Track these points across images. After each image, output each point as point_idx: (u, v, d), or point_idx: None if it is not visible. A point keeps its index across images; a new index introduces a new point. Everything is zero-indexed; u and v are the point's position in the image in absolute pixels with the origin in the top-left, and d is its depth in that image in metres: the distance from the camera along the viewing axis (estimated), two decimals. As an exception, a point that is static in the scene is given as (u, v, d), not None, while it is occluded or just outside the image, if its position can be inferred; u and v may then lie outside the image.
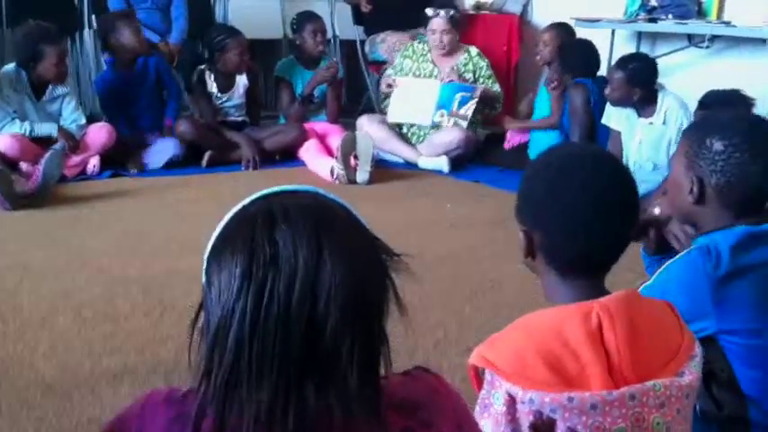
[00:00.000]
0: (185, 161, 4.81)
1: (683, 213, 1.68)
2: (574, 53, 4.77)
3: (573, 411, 1.12)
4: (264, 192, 0.97)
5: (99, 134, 4.62)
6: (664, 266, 1.58)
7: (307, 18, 5.27)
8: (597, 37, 5.02)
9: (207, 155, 4.84)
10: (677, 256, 1.58)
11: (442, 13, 5.07)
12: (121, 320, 2.66)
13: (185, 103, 5.36)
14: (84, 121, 4.66)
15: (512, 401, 1.15)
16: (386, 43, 5.89)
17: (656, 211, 1.80)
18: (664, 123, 4.15)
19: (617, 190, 1.27)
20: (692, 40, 5.23)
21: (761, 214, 1.60)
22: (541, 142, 4.86)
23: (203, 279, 0.93)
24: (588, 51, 4.78)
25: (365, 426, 0.89)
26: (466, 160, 5.02)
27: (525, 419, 1.14)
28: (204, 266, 0.93)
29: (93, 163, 4.58)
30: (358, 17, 6.20)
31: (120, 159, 4.70)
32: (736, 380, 1.54)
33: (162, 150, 4.78)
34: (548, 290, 1.31)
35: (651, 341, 1.21)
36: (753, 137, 1.58)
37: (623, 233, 1.28)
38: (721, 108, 3.48)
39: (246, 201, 0.96)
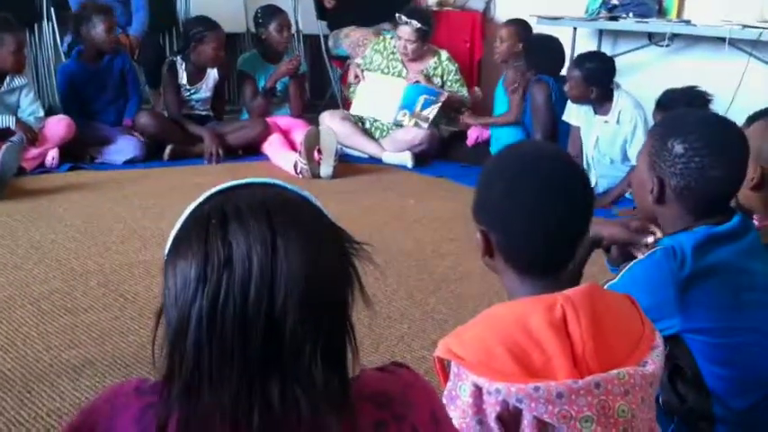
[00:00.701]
0: (147, 154, 4.76)
1: (645, 211, 1.68)
2: (539, 50, 4.80)
3: (539, 401, 1.12)
4: (220, 187, 0.95)
5: (58, 127, 4.55)
6: (628, 266, 1.58)
7: (272, 13, 5.24)
8: (559, 35, 5.05)
9: (168, 148, 4.80)
10: (642, 257, 1.58)
11: (413, 23, 5.03)
12: (81, 313, 2.62)
13: (146, 97, 5.29)
14: (42, 113, 4.59)
15: (478, 393, 1.15)
16: (349, 39, 5.87)
17: (602, 232, 1.71)
18: (618, 122, 4.23)
19: (572, 189, 1.27)
20: (652, 38, 5.30)
21: (722, 213, 1.61)
22: (502, 139, 4.89)
23: (163, 280, 0.92)
24: (554, 48, 4.82)
25: (334, 420, 0.88)
26: (429, 156, 5.04)
27: (491, 411, 1.15)
28: (163, 267, 0.92)
29: (52, 155, 4.51)
30: (321, 12, 6.18)
31: (78, 153, 4.64)
32: (701, 376, 1.55)
33: (122, 150, 4.72)
34: (508, 288, 1.31)
35: (613, 332, 1.21)
36: (714, 141, 1.57)
37: (581, 231, 1.28)
38: (679, 106, 3.53)
39: (202, 198, 0.94)
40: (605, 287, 1.48)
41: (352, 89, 5.30)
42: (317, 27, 6.23)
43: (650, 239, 1.62)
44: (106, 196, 4.04)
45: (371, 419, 0.94)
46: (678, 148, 1.56)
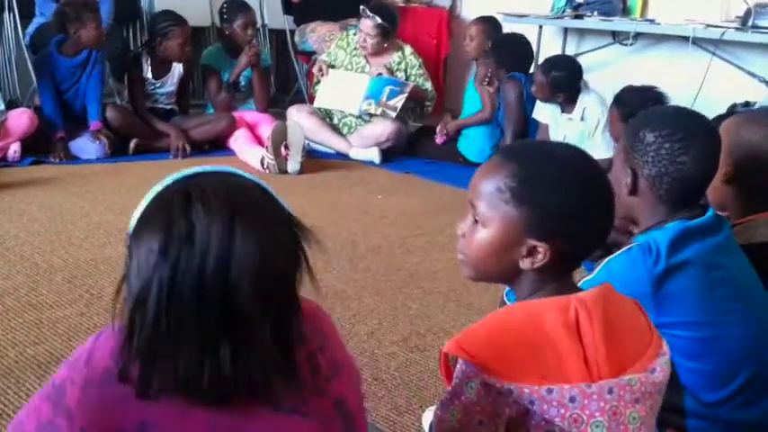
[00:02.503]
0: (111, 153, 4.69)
1: (623, 208, 1.68)
2: (508, 48, 4.83)
3: (552, 403, 1.11)
4: (184, 172, 1.03)
5: (20, 120, 4.46)
6: (604, 262, 1.59)
7: (237, 9, 5.16)
8: (524, 32, 5.09)
9: (133, 142, 4.74)
10: (618, 252, 1.59)
11: (376, 18, 5.01)
12: (46, 309, 2.58)
13: (110, 90, 5.22)
14: (3, 106, 4.50)
15: (484, 392, 1.13)
16: (316, 33, 5.85)
17: None
18: (582, 119, 4.30)
19: (608, 185, 1.26)
20: (616, 36, 5.36)
21: (694, 208, 1.63)
22: (471, 136, 4.94)
23: (126, 254, 1.00)
24: (522, 46, 4.86)
25: (280, 383, 0.99)
26: (397, 152, 5.04)
27: (498, 411, 1.13)
28: (128, 241, 1.00)
29: (14, 149, 4.42)
30: (287, 7, 6.14)
31: (42, 147, 4.56)
32: (674, 370, 1.57)
33: (86, 149, 4.64)
34: (524, 290, 1.27)
35: (624, 336, 1.21)
36: (683, 128, 1.60)
37: (611, 227, 1.27)
38: (635, 103, 3.56)
39: (167, 180, 1.02)
40: (580, 284, 1.48)
41: (316, 81, 5.28)
42: (283, 22, 6.20)
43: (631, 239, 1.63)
44: (70, 191, 3.98)
45: (303, 354, 1.03)
46: (649, 137, 1.60)
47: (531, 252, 1.21)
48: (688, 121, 1.64)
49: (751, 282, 1.66)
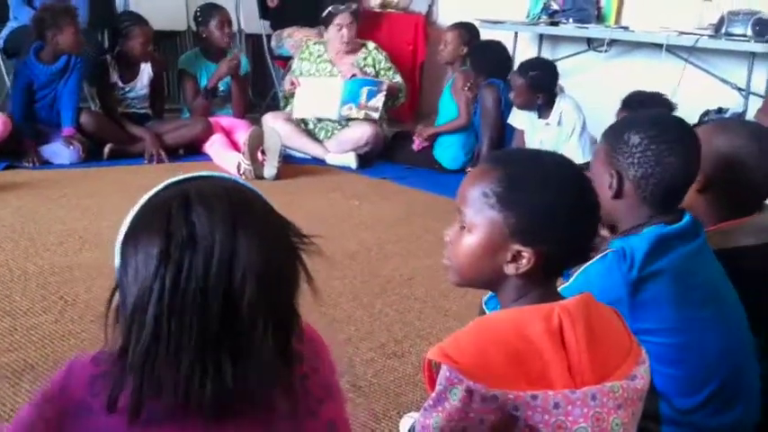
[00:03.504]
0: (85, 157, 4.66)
1: (604, 212, 1.70)
2: (486, 54, 4.86)
3: (536, 410, 1.12)
4: (177, 178, 1.00)
5: (-7, 125, 4.42)
6: (581, 269, 1.59)
7: (211, 10, 5.19)
8: (500, 38, 5.12)
9: (107, 147, 4.71)
10: (594, 259, 1.59)
11: (351, 5, 5.09)
12: (20, 316, 2.55)
13: (84, 95, 5.18)
14: (-25, 110, 4.46)
15: (468, 399, 1.13)
16: (293, 39, 5.85)
17: None
18: (559, 124, 4.32)
19: (593, 192, 1.28)
20: (591, 43, 5.40)
21: (674, 211, 1.64)
22: (446, 143, 4.95)
23: (117, 262, 0.96)
24: (500, 53, 4.89)
25: (278, 390, 0.96)
26: (373, 157, 5.05)
27: (482, 417, 1.13)
28: (119, 249, 0.96)
29: (-13, 154, 4.38)
30: (264, 11, 6.14)
31: (16, 152, 4.51)
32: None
33: (60, 154, 4.60)
34: (507, 298, 1.28)
35: (606, 343, 1.22)
36: (669, 130, 1.63)
37: (596, 233, 1.29)
38: (643, 108, 3.60)
39: (159, 186, 0.99)
40: (559, 290, 1.49)
41: (288, 102, 5.28)
42: (260, 26, 6.19)
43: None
44: (44, 196, 3.94)
45: (298, 374, 1.00)
46: (635, 139, 1.61)
47: (516, 257, 1.22)
48: (672, 123, 1.67)
49: (723, 287, 1.67)
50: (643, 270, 1.54)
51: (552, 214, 1.22)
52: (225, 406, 0.93)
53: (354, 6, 5.15)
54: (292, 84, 5.18)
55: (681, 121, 1.69)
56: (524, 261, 1.22)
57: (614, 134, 1.66)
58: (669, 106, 3.69)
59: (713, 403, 1.61)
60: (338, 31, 5.12)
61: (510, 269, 1.23)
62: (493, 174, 1.25)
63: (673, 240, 1.58)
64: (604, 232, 1.73)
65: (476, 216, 1.25)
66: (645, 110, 1.82)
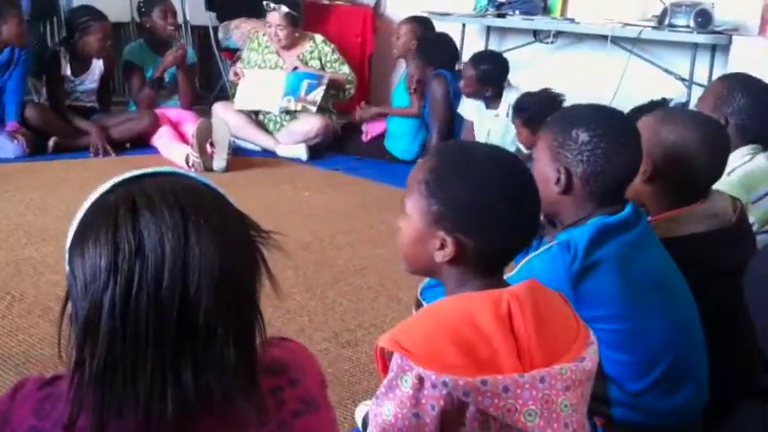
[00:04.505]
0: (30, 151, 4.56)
1: (547, 204, 1.69)
2: (433, 46, 4.88)
3: (486, 394, 1.13)
4: (125, 176, 0.94)
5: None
6: (526, 260, 1.61)
7: (154, 0, 5.10)
8: (448, 31, 5.15)
9: (52, 141, 4.62)
10: (539, 251, 1.62)
11: (282, 8, 4.99)
12: (-35, 313, 2.50)
13: (28, 87, 5.07)
14: None
15: (419, 386, 1.15)
16: (240, 30, 5.80)
17: None
18: (507, 116, 4.37)
19: (532, 185, 1.30)
20: (537, 35, 5.45)
21: (617, 202, 1.66)
22: (398, 133, 4.96)
23: (67, 269, 0.91)
24: (447, 44, 4.92)
25: (244, 398, 0.91)
26: (324, 149, 5.04)
27: (433, 403, 1.15)
28: (66, 256, 0.91)
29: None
30: (210, 3, 6.07)
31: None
32: (599, 361, 1.61)
33: (5, 149, 4.50)
34: (453, 286, 1.30)
35: (554, 328, 1.24)
36: (616, 127, 1.64)
37: (537, 226, 1.31)
38: (534, 108, 3.76)
39: (106, 186, 0.93)
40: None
41: (234, 91, 5.24)
42: (206, 18, 6.12)
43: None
44: (-13, 191, 3.86)
45: (267, 387, 0.96)
46: (584, 136, 1.61)
47: (443, 245, 1.26)
48: (616, 119, 1.68)
49: (669, 273, 1.71)
50: (585, 260, 1.56)
51: (474, 204, 1.25)
52: (188, 420, 0.89)
53: (288, 11, 5.02)
54: (236, 74, 5.15)
55: (621, 114, 1.71)
56: (448, 249, 1.25)
57: (560, 129, 1.66)
58: (559, 102, 3.79)
59: (662, 386, 1.64)
60: (269, 28, 5.09)
61: (438, 256, 1.27)
62: (427, 164, 1.31)
63: (612, 231, 1.60)
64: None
65: (411, 204, 1.30)
66: (580, 104, 1.82)
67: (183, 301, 0.86)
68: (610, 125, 1.63)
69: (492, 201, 1.25)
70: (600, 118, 1.66)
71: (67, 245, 0.91)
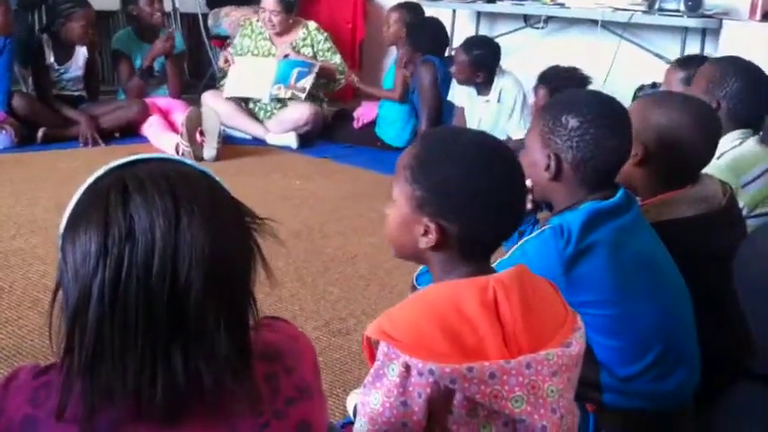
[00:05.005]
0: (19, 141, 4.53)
1: (539, 190, 1.71)
2: (422, 31, 4.86)
3: (473, 381, 1.13)
4: (117, 162, 0.94)
5: None
6: (519, 244, 1.61)
7: None
8: (438, 16, 5.13)
9: (41, 131, 4.59)
10: (532, 235, 1.62)
11: None
12: (-46, 305, 2.49)
13: (15, 77, 5.04)
14: None
15: (406, 374, 1.15)
16: (230, 18, 5.77)
17: None
18: (499, 101, 4.37)
19: (519, 170, 1.30)
20: (528, 20, 5.45)
21: (609, 187, 1.66)
22: (389, 119, 4.95)
23: (59, 257, 0.91)
24: (436, 29, 4.90)
25: (236, 385, 0.90)
26: (314, 137, 5.02)
27: (420, 391, 1.15)
28: (59, 244, 0.91)
29: None
30: (200, -10, 6.04)
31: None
32: (590, 347, 1.60)
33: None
34: (440, 272, 1.30)
35: (541, 313, 1.24)
36: (606, 112, 1.62)
37: (523, 213, 1.30)
38: (560, 82, 3.67)
39: (99, 172, 0.93)
40: (495, 264, 1.51)
41: (222, 80, 5.21)
42: (196, 5, 6.09)
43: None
44: (-24, 182, 3.84)
45: (262, 373, 0.96)
46: (573, 122, 1.60)
47: (427, 231, 1.26)
48: (607, 105, 1.66)
49: (660, 258, 1.70)
50: (578, 245, 1.55)
51: (455, 189, 1.24)
52: (179, 407, 0.89)
53: None
54: (226, 61, 5.12)
55: (615, 102, 1.68)
56: (431, 235, 1.25)
57: (551, 115, 1.65)
58: (585, 81, 3.77)
59: (653, 371, 1.64)
60: (262, 13, 5.06)
61: (422, 242, 1.27)
62: (413, 150, 1.31)
63: (605, 216, 1.60)
64: (543, 214, 1.77)
65: (397, 189, 1.30)
66: (576, 89, 1.81)
67: (173, 287, 0.86)
68: (599, 111, 1.62)
69: (475, 187, 1.24)
70: (590, 103, 1.64)
71: (60, 231, 0.91)
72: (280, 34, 5.10)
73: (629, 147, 1.68)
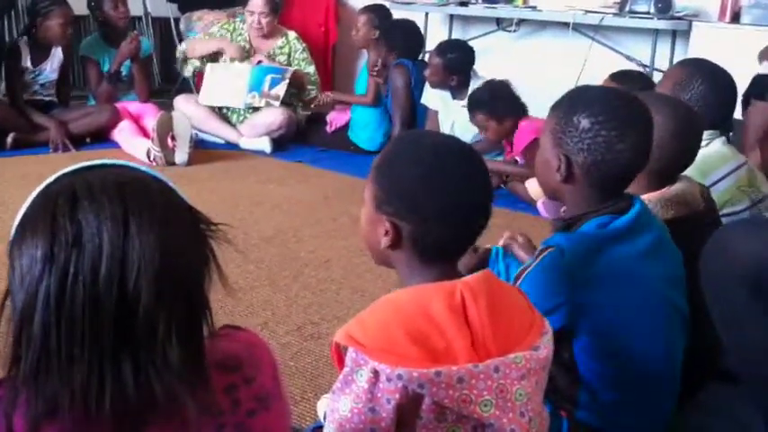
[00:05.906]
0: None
1: (550, 190, 1.67)
2: (397, 33, 4.86)
3: (441, 386, 1.12)
4: (71, 168, 0.93)
5: None
6: (522, 277, 1.56)
7: None
8: (411, 19, 5.12)
9: (11, 136, 4.54)
10: (533, 265, 1.57)
11: None
12: None
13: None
14: None
15: (374, 380, 1.14)
16: (203, 22, 5.74)
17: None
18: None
19: (481, 173, 1.28)
20: (500, 23, 5.46)
21: (622, 197, 1.60)
22: (362, 123, 4.94)
23: (8, 262, 0.89)
24: (411, 32, 4.90)
25: (189, 396, 0.88)
26: (287, 141, 5.00)
27: (389, 397, 1.14)
28: (8, 251, 0.89)
29: None
30: (171, -6, 6.00)
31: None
32: (575, 363, 1.58)
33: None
34: (405, 276, 1.29)
35: (508, 317, 1.23)
36: (619, 114, 1.54)
37: (488, 216, 1.28)
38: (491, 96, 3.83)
39: (50, 179, 0.92)
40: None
41: (183, 59, 5.20)
42: (167, 10, 6.05)
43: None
44: (-58, 189, 3.79)
45: (222, 385, 0.94)
46: (584, 123, 1.53)
47: (387, 231, 1.26)
48: (623, 105, 1.57)
49: (671, 290, 1.65)
50: (579, 274, 1.51)
51: (411, 190, 1.24)
52: (131, 420, 0.87)
53: None
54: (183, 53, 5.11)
55: (633, 103, 1.59)
56: (388, 235, 1.26)
57: (563, 114, 1.58)
58: (506, 84, 3.84)
59: (633, 405, 1.61)
60: (251, 16, 5.04)
61: (383, 242, 1.27)
62: (383, 151, 1.33)
63: (611, 241, 1.54)
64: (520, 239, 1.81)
65: (366, 191, 1.32)
66: (590, 86, 1.76)
67: (121, 294, 0.84)
68: (613, 111, 1.54)
69: (430, 188, 1.23)
70: (604, 103, 1.56)
71: (10, 238, 0.90)
72: (266, 37, 5.08)
73: (646, 151, 1.58)
